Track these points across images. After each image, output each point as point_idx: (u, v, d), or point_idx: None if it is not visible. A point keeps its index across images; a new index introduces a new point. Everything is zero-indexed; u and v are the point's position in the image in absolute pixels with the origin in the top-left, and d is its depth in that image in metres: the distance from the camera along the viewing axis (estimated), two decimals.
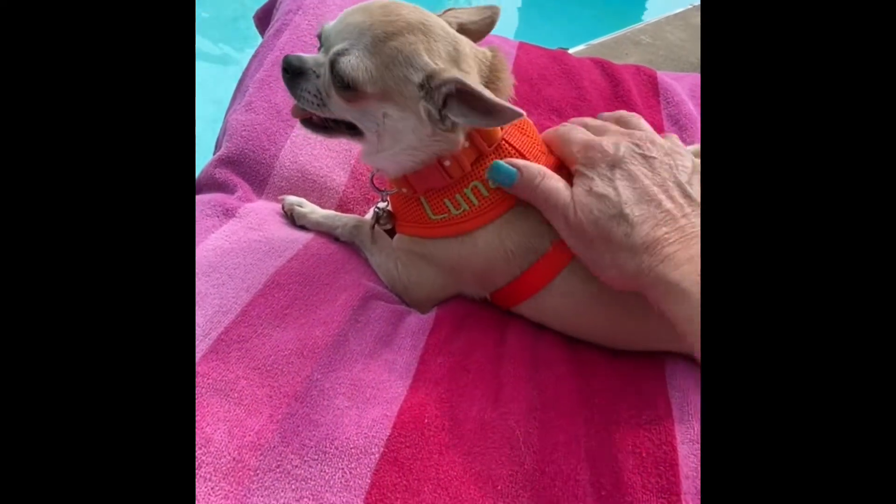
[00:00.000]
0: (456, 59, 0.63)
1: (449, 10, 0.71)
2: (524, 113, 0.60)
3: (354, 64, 0.61)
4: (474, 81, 0.61)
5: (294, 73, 0.66)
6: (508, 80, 0.67)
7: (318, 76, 0.65)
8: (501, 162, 0.65)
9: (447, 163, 0.66)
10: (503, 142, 0.67)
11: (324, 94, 0.65)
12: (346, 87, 0.62)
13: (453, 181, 0.67)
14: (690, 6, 2.92)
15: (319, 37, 0.68)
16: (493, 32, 0.73)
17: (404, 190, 0.70)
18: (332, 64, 0.62)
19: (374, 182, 0.76)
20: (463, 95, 0.60)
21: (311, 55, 0.67)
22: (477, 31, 0.70)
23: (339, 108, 0.66)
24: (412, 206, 0.71)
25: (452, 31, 0.65)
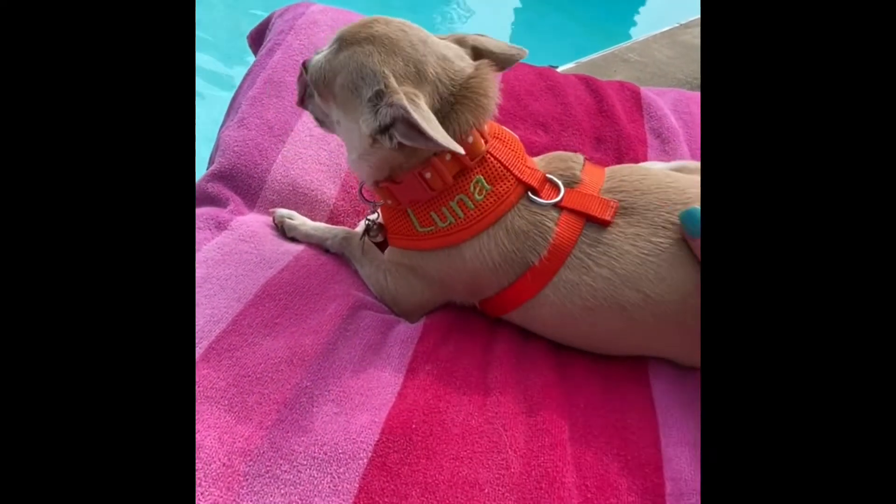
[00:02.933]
0: (415, 78, 0.64)
1: (480, 35, 0.73)
2: (461, 150, 0.61)
3: (316, 64, 0.67)
4: (420, 107, 0.61)
5: (305, 66, 0.71)
6: (487, 99, 0.67)
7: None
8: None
9: (428, 175, 0.67)
10: (488, 155, 0.69)
11: (311, 89, 0.71)
12: (315, 83, 0.69)
13: (436, 193, 0.68)
14: (677, 25, 2.99)
15: None
16: None
17: (389, 202, 0.72)
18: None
19: (364, 193, 0.78)
20: (407, 121, 0.61)
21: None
22: (498, 61, 0.71)
23: (313, 104, 0.72)
24: (400, 219, 0.72)
25: (429, 49, 0.65)
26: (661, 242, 0.66)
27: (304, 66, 0.71)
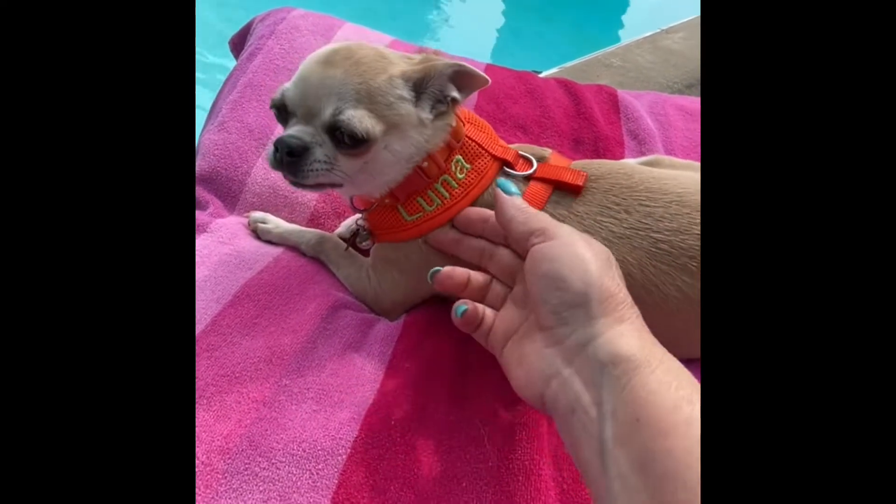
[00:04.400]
0: (410, 62, 0.69)
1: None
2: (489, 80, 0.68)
3: (358, 116, 0.62)
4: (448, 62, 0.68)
5: (299, 153, 0.63)
6: None
7: (320, 145, 0.64)
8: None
9: (425, 164, 0.69)
10: (466, 138, 0.72)
11: (331, 158, 0.64)
12: (357, 143, 0.63)
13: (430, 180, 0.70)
14: (659, 30, 3.04)
15: (280, 107, 0.66)
16: (466, 57, 0.78)
17: (387, 201, 0.72)
18: (334, 128, 0.63)
19: (355, 203, 0.77)
20: (455, 76, 0.67)
21: (297, 129, 0.64)
22: None
23: (347, 168, 0.65)
24: (389, 215, 0.73)
25: (391, 52, 0.70)
26: (604, 221, 0.68)
27: (306, 148, 0.63)
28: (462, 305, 0.59)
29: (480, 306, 0.60)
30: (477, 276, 0.62)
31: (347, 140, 0.63)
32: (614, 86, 1.26)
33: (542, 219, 0.56)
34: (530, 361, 0.52)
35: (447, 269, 0.61)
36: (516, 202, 0.59)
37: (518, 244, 0.57)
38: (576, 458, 0.47)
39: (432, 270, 0.61)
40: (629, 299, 0.50)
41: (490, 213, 0.65)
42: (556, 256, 0.51)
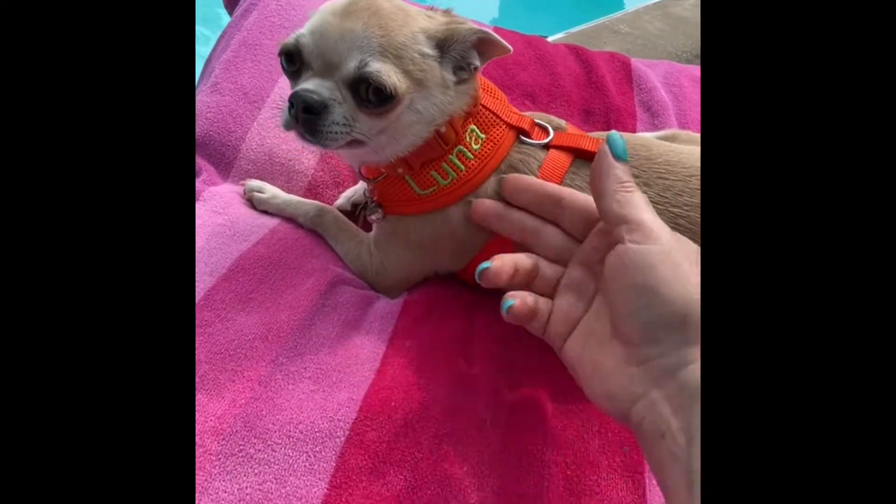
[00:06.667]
0: (431, 19, 0.64)
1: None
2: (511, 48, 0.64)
3: (386, 70, 0.56)
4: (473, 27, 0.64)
5: (318, 110, 0.57)
6: None
7: (340, 103, 0.58)
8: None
9: (443, 129, 0.65)
10: (480, 105, 0.68)
11: (350, 119, 0.59)
12: (383, 100, 0.58)
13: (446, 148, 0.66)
14: None
15: (293, 54, 0.60)
16: (470, 18, 0.73)
17: (400, 170, 0.67)
18: (358, 82, 0.57)
19: (363, 171, 0.73)
20: (479, 43, 0.62)
21: (315, 84, 0.58)
22: None
23: (367, 127, 0.60)
24: (399, 186, 0.69)
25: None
26: None
27: (325, 106, 0.57)
28: (509, 300, 0.52)
29: (531, 297, 0.53)
30: (524, 262, 0.55)
31: (372, 97, 0.57)
32: (622, 53, 1.21)
33: (642, 207, 0.48)
34: (611, 377, 0.47)
35: (496, 265, 0.53)
36: (620, 173, 0.49)
37: (597, 227, 0.51)
38: (659, 480, 0.43)
39: (480, 267, 0.54)
40: None
41: (532, 181, 0.62)
42: (652, 266, 0.44)
